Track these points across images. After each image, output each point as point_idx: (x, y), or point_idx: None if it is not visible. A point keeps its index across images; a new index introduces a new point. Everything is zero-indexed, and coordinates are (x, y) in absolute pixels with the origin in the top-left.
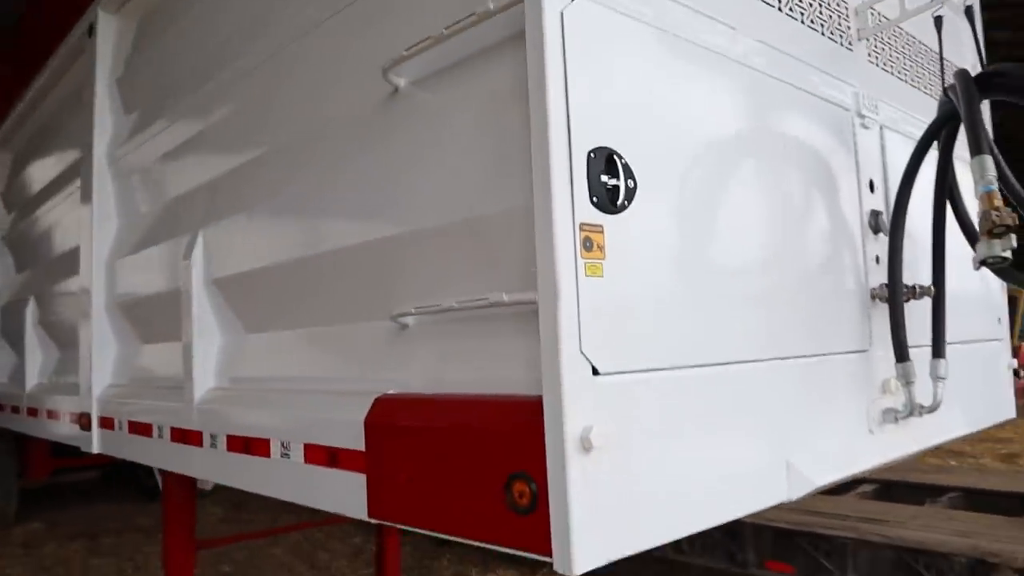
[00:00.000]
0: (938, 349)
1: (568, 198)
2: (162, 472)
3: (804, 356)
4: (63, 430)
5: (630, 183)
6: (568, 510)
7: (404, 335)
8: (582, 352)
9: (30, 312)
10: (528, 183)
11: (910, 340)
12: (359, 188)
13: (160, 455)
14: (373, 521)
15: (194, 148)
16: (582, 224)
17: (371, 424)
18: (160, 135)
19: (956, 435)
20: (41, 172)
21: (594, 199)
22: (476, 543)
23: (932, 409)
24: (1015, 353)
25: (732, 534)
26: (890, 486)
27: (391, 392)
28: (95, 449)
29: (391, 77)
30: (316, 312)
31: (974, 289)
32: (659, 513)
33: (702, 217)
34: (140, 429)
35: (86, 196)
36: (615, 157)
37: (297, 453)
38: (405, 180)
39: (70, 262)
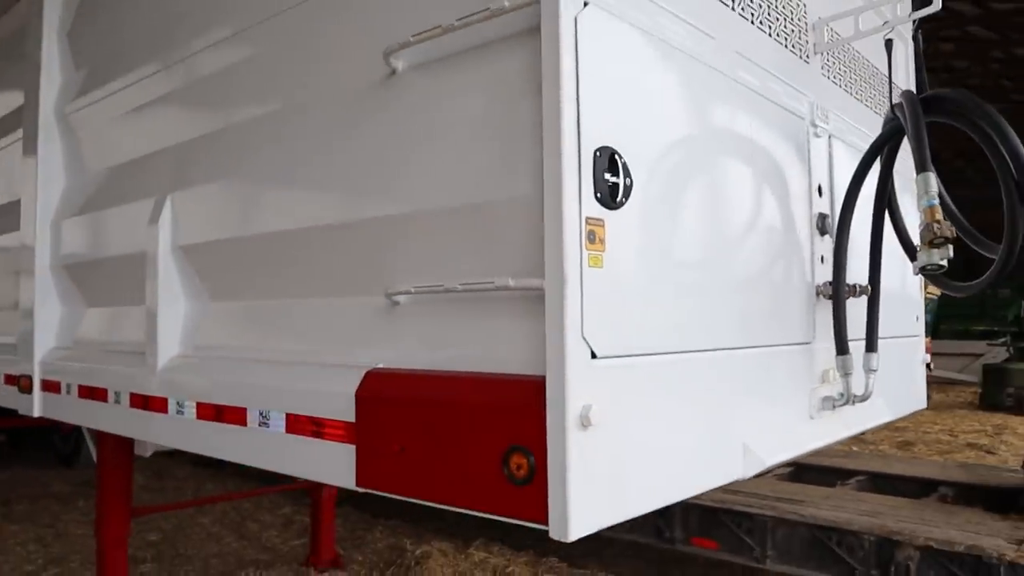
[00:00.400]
0: (871, 344)
1: (576, 193)
2: (98, 437)
3: (763, 346)
4: None
5: (628, 181)
6: (566, 482)
7: (395, 312)
8: (583, 337)
9: None
10: (532, 173)
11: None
12: (352, 165)
13: (116, 421)
14: (361, 490)
15: (160, 110)
16: (587, 218)
17: (363, 396)
18: (118, 94)
19: (879, 422)
20: None
21: (598, 195)
22: (469, 512)
23: (864, 398)
24: None
25: (661, 511)
26: (803, 469)
27: (381, 366)
28: (36, 412)
29: (391, 60)
30: (299, 284)
31: (897, 289)
32: (642, 485)
33: (683, 215)
34: (92, 393)
35: (30, 150)
36: (616, 156)
37: (278, 423)
38: (402, 161)
39: (8, 217)
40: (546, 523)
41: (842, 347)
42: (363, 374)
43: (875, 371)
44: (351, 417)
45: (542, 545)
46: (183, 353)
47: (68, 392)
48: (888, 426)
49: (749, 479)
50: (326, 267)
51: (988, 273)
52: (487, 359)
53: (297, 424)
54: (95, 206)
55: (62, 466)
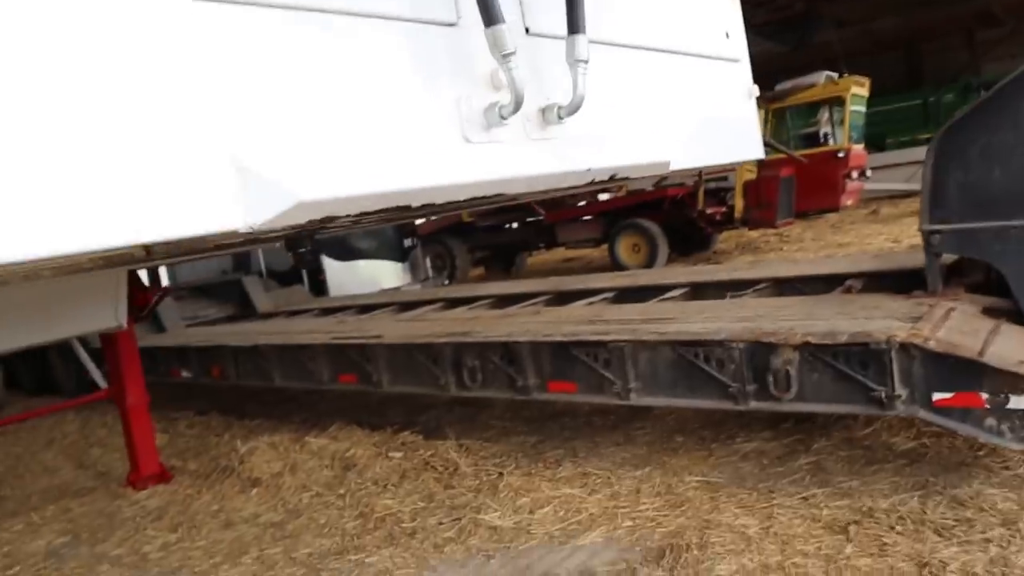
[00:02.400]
0: (574, 23)
1: None
2: None
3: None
4: None
5: None
6: None
7: None
8: None
9: None
10: None
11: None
12: None
13: None
14: None
15: None
16: None
17: None
18: None
19: (642, 163)
20: None
21: None
22: None
23: (573, 108)
24: (846, 155)
25: (509, 360)
26: (700, 288)
27: None
28: None
29: None
30: None
31: None
32: None
33: None
34: None
35: None
36: None
37: None
38: None
39: None
40: None
41: (490, 16)
42: None
43: (584, 62)
44: None
45: (404, 419)
46: None
47: None
48: (832, 243)
49: (615, 307)
50: None
51: None
52: None
53: None
54: None
55: None
